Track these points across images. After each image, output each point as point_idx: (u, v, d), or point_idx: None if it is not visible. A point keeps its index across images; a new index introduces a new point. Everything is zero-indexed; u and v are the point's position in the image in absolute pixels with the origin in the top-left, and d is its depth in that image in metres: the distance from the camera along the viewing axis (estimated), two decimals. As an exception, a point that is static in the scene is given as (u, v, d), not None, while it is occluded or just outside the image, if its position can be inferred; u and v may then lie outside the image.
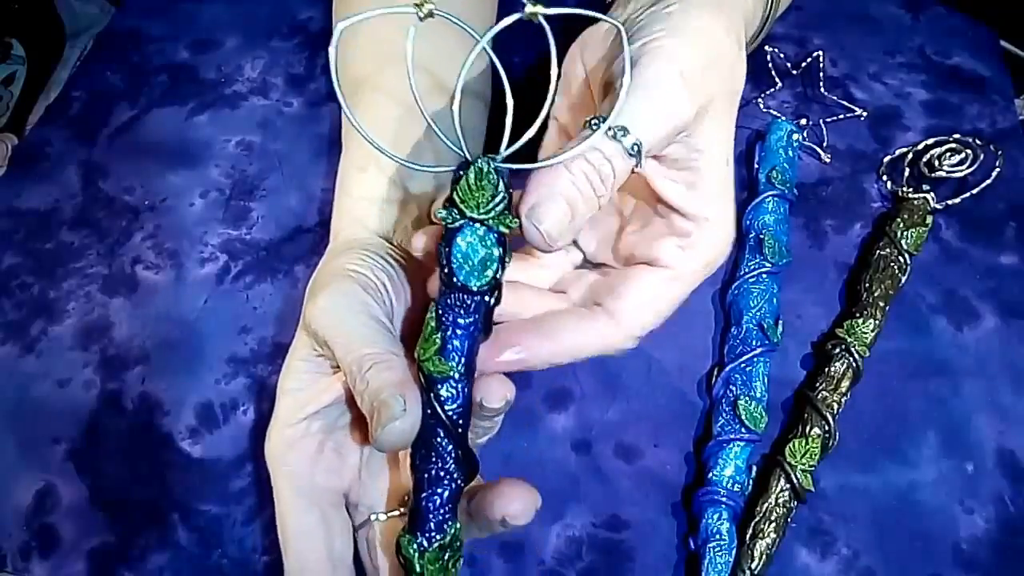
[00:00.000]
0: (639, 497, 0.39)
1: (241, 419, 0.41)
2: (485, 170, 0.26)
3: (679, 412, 0.41)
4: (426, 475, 0.28)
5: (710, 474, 0.38)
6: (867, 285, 0.43)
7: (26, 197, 0.49)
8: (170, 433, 0.41)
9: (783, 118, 0.49)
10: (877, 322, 0.42)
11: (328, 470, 0.32)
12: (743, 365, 0.40)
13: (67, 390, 0.42)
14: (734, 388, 0.40)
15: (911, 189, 0.47)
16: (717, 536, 0.36)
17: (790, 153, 0.47)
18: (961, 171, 0.47)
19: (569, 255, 0.35)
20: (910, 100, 0.53)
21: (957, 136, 0.49)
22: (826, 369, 0.41)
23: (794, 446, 0.38)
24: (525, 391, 0.41)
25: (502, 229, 0.27)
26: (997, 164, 0.47)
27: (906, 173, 0.49)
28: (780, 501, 0.37)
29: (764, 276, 0.42)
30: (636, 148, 0.28)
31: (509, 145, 0.27)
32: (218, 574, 0.37)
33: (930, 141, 0.49)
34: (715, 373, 0.41)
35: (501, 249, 0.27)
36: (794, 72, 0.53)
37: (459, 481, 0.29)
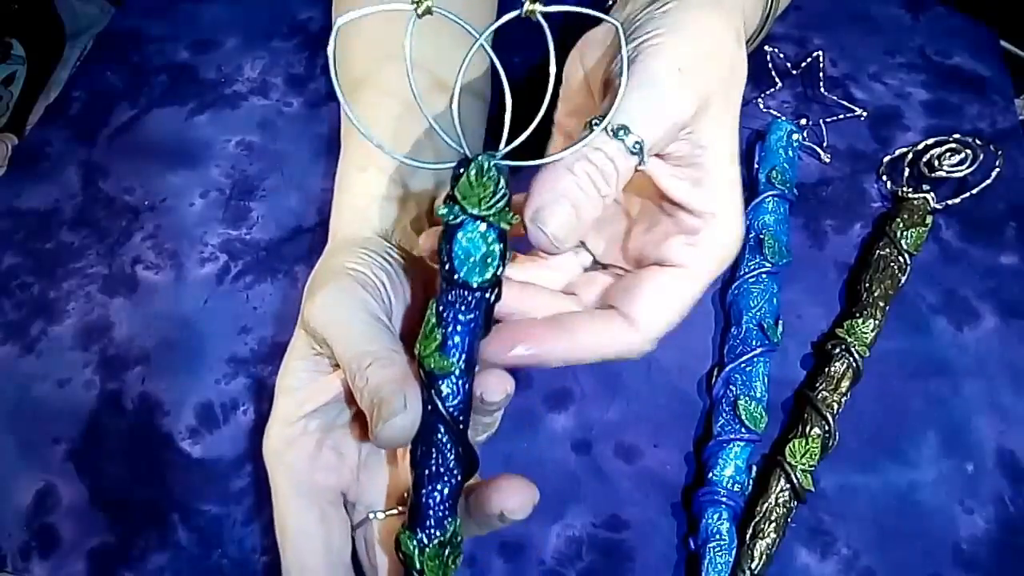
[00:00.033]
0: (639, 497, 0.39)
1: (241, 419, 0.41)
2: (486, 167, 0.26)
3: (679, 412, 0.41)
4: (426, 471, 0.28)
5: (710, 474, 0.38)
6: (867, 285, 0.43)
7: (26, 197, 0.49)
8: (170, 433, 0.41)
9: (783, 118, 0.49)
10: (877, 322, 0.42)
11: (326, 468, 0.32)
12: (743, 365, 0.40)
13: (67, 390, 0.42)
14: (734, 388, 0.40)
15: (911, 189, 0.47)
16: (717, 536, 0.36)
17: (790, 153, 0.47)
18: (961, 171, 0.47)
19: (579, 257, 0.35)
20: (910, 100, 0.53)
21: (957, 136, 0.49)
22: (826, 369, 0.41)
23: (794, 446, 0.38)
24: (525, 391, 0.42)
25: (503, 226, 0.27)
26: (997, 164, 0.47)
27: (906, 173, 0.49)
28: (780, 501, 0.37)
29: (764, 276, 0.42)
30: (638, 146, 0.28)
31: (508, 143, 0.27)
32: (218, 574, 0.37)
33: (930, 141, 0.49)
34: (715, 373, 0.41)
35: (502, 245, 0.27)
36: (794, 72, 0.53)
37: (459, 477, 0.29)
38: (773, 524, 0.37)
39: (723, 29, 0.30)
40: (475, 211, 0.27)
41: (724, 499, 0.37)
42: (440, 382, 0.28)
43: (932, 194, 0.46)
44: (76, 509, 0.39)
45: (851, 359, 0.40)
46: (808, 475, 0.38)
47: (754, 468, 0.39)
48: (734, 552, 0.36)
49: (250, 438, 0.40)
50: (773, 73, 0.53)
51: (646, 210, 0.33)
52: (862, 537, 0.38)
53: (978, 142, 0.48)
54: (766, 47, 0.53)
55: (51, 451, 0.40)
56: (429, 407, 0.28)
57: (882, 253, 0.44)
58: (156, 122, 0.52)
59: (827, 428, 0.39)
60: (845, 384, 0.40)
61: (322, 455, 0.32)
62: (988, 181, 0.47)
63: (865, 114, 0.51)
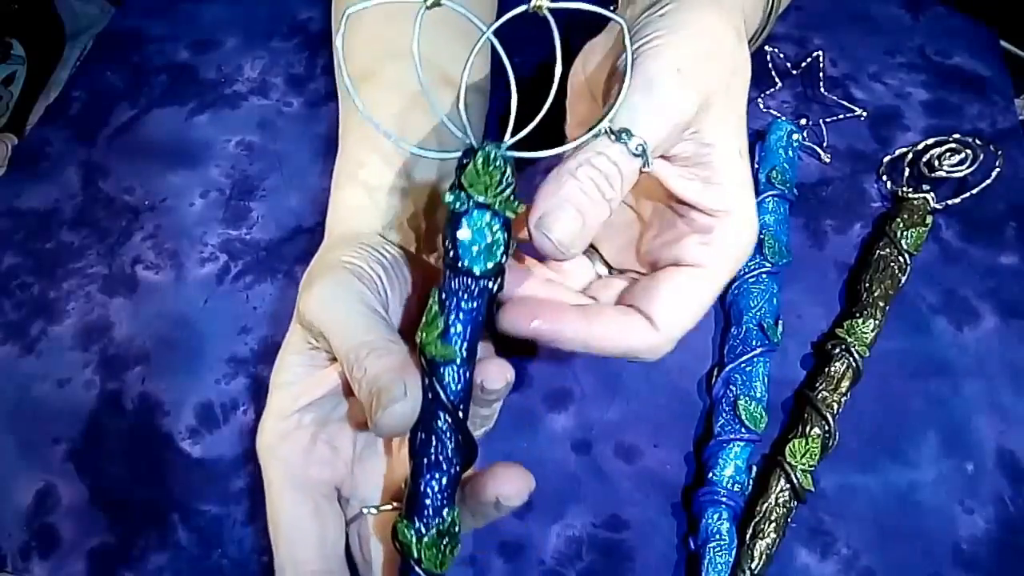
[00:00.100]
0: (639, 497, 0.39)
1: (241, 419, 0.41)
2: (493, 155, 0.27)
3: (679, 412, 0.41)
4: (425, 460, 0.28)
5: (710, 474, 0.38)
6: (867, 285, 0.43)
7: (26, 197, 0.49)
8: (170, 433, 0.41)
9: (783, 118, 0.49)
10: (877, 322, 0.42)
11: (321, 462, 0.32)
12: (743, 365, 0.40)
13: (67, 390, 0.42)
14: (734, 388, 0.40)
15: (911, 189, 0.47)
16: (717, 536, 0.36)
17: (790, 153, 0.47)
18: (961, 171, 0.47)
19: (595, 267, 0.35)
20: (910, 100, 0.53)
21: (957, 136, 0.49)
22: (826, 369, 0.41)
23: (794, 446, 0.38)
24: (525, 391, 0.42)
25: (508, 214, 0.27)
26: (997, 164, 0.47)
27: (906, 173, 0.49)
28: (780, 501, 0.37)
29: (764, 276, 0.42)
30: (641, 148, 0.28)
31: (514, 133, 0.27)
32: (218, 574, 0.37)
33: (930, 141, 0.49)
34: (715, 373, 0.41)
35: (506, 234, 0.27)
36: (794, 72, 0.53)
37: (458, 467, 0.29)
38: (773, 524, 0.37)
39: (723, 28, 0.30)
40: (481, 199, 0.27)
41: (724, 499, 0.37)
42: (441, 369, 0.28)
43: (932, 194, 0.46)
44: (76, 509, 0.39)
45: (851, 359, 0.40)
46: (808, 475, 0.38)
47: (754, 468, 0.39)
48: (734, 552, 0.36)
49: (250, 438, 0.40)
50: (773, 73, 0.53)
51: (658, 213, 0.33)
52: (862, 537, 0.38)
53: (978, 142, 0.48)
54: (766, 47, 0.53)
55: (51, 451, 0.40)
56: (430, 395, 0.28)
57: (882, 253, 0.44)
58: (156, 122, 0.52)
59: (827, 428, 0.39)
60: (845, 384, 0.40)
61: (316, 449, 0.32)
62: (988, 181, 0.47)
63: (865, 114, 0.51)
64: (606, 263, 0.35)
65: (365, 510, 0.32)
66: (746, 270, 0.43)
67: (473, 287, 0.27)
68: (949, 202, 0.47)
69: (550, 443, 0.40)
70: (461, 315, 0.28)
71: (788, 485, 0.38)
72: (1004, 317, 0.44)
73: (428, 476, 0.28)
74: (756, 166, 0.47)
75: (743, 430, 0.39)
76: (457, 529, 0.29)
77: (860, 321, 0.42)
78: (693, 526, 0.38)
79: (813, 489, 0.38)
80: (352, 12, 0.27)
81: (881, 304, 0.42)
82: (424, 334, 0.28)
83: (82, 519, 0.39)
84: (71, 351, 0.43)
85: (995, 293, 0.45)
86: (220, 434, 0.41)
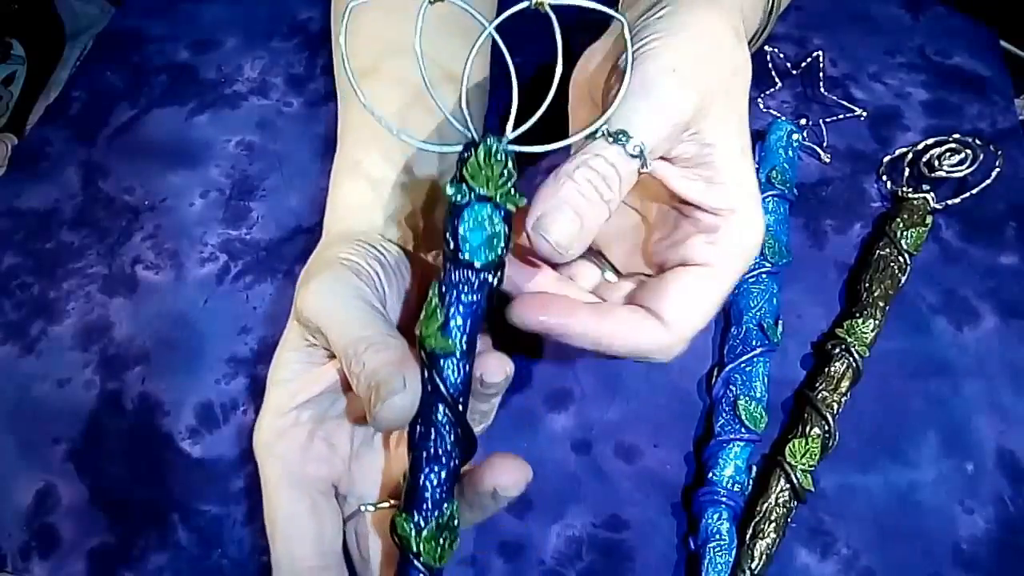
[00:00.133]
0: (639, 497, 0.39)
1: (241, 419, 0.41)
2: (494, 148, 0.27)
3: (679, 412, 0.41)
4: (424, 453, 0.28)
5: (710, 474, 0.38)
6: (867, 285, 0.43)
7: (26, 197, 0.49)
8: (170, 433, 0.41)
9: (783, 118, 0.49)
10: (877, 322, 0.42)
11: (318, 459, 0.32)
12: (743, 365, 0.40)
13: (67, 390, 0.42)
14: (734, 388, 0.40)
15: (911, 189, 0.47)
16: (717, 536, 0.36)
17: (790, 153, 0.47)
18: (961, 171, 0.47)
19: (604, 275, 0.35)
20: (910, 100, 0.53)
21: (957, 136, 0.49)
22: (826, 369, 0.41)
23: (794, 446, 0.38)
24: (525, 391, 0.42)
25: (509, 207, 0.27)
26: (997, 164, 0.47)
27: (906, 173, 0.49)
28: (780, 501, 0.37)
29: (764, 276, 0.42)
30: (638, 149, 0.28)
31: (515, 128, 0.27)
32: (218, 574, 0.37)
33: (930, 141, 0.49)
34: (715, 373, 0.41)
35: (507, 228, 0.28)
36: (794, 72, 0.53)
37: (457, 460, 0.29)
38: (773, 524, 0.37)
39: (721, 28, 0.30)
40: (483, 191, 0.27)
41: (724, 499, 0.37)
42: (441, 362, 0.28)
43: (932, 194, 0.46)
44: (76, 509, 0.39)
45: (851, 359, 0.40)
46: (808, 475, 0.38)
47: (754, 468, 0.39)
48: (734, 552, 0.36)
49: (250, 438, 0.40)
50: (773, 73, 0.53)
51: (663, 214, 0.33)
52: (862, 537, 0.38)
53: (978, 142, 0.48)
54: (766, 47, 0.53)
55: (51, 451, 0.40)
56: (429, 387, 0.28)
57: (882, 253, 0.44)
58: (156, 122, 0.52)
59: (827, 428, 0.39)
60: (845, 384, 0.40)
61: (314, 446, 0.32)
62: (988, 181, 0.47)
63: (865, 114, 0.51)
64: (615, 270, 0.35)
65: (363, 508, 0.32)
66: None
67: (473, 280, 0.28)
68: (949, 202, 0.47)
69: (550, 443, 0.40)
70: (461, 308, 0.28)
71: (788, 485, 0.38)
72: (1004, 317, 0.44)
73: (427, 469, 0.28)
74: (756, 166, 0.47)
75: (743, 430, 0.39)
76: (456, 523, 0.29)
77: (860, 321, 0.42)
78: (693, 526, 0.38)
79: (813, 489, 0.38)
80: (355, 5, 0.27)
81: (881, 304, 0.42)
82: (424, 327, 0.28)
83: (82, 519, 0.39)
84: (71, 351, 0.43)
85: (995, 293, 0.45)
86: (220, 434, 0.41)
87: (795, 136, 0.48)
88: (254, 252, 0.46)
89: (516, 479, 0.29)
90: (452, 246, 0.27)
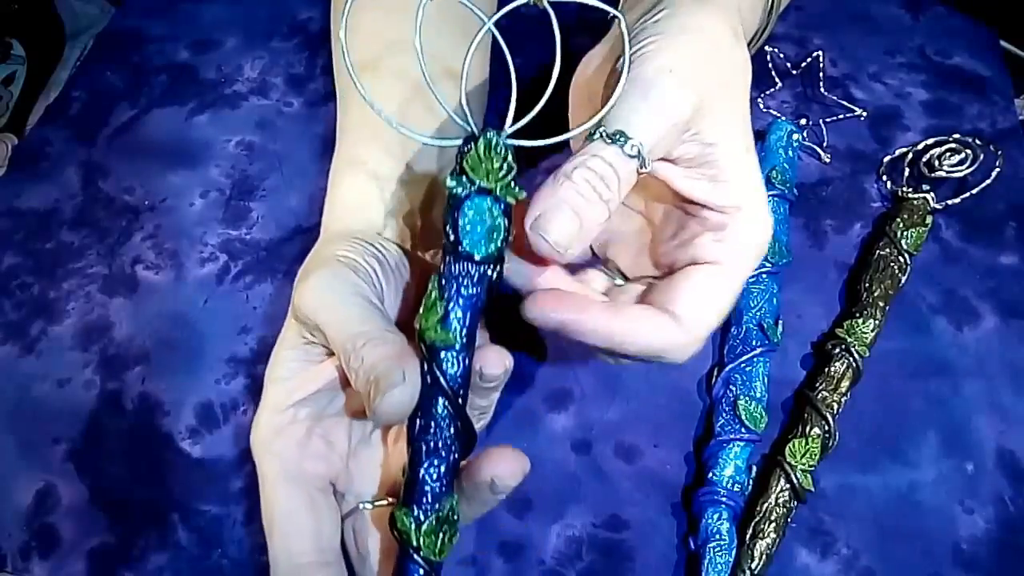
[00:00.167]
0: (639, 497, 0.39)
1: (241, 419, 0.41)
2: (494, 141, 0.27)
3: (679, 412, 0.41)
4: (424, 446, 0.28)
5: (710, 474, 0.38)
6: (867, 285, 0.43)
7: (26, 197, 0.49)
8: (170, 433, 0.41)
9: (783, 118, 0.49)
10: (877, 322, 0.42)
11: (316, 456, 0.32)
12: (743, 365, 0.40)
13: (67, 390, 0.42)
14: (734, 388, 0.40)
15: (911, 189, 0.47)
16: (717, 536, 0.36)
17: (790, 153, 0.47)
18: (961, 171, 0.48)
19: (614, 280, 0.35)
20: (910, 100, 0.53)
21: (957, 136, 0.49)
22: (826, 369, 0.41)
23: (794, 446, 0.38)
24: (525, 391, 0.42)
25: (509, 200, 0.28)
26: (997, 164, 0.47)
27: (906, 173, 0.49)
28: (780, 501, 0.37)
29: (764, 276, 0.42)
30: (635, 149, 0.28)
31: (514, 122, 0.27)
32: (218, 574, 0.37)
33: (930, 141, 0.49)
34: (715, 373, 0.41)
35: (507, 221, 0.28)
36: (794, 72, 0.53)
37: (457, 453, 0.29)
38: (773, 524, 0.37)
39: (720, 30, 0.30)
40: (483, 183, 0.27)
41: (724, 499, 0.37)
42: (441, 354, 0.28)
43: (932, 194, 0.46)
44: (76, 509, 0.39)
45: (851, 359, 0.40)
46: (808, 475, 0.38)
47: (754, 468, 0.39)
48: (734, 552, 0.36)
49: (250, 438, 0.40)
50: (773, 73, 0.53)
51: (670, 216, 0.33)
52: (862, 537, 0.38)
53: (978, 142, 0.48)
54: (766, 47, 0.53)
55: (51, 451, 0.40)
56: (428, 380, 0.28)
57: (882, 253, 0.44)
58: (156, 122, 0.52)
59: (827, 428, 0.39)
60: (845, 384, 0.40)
61: (311, 443, 0.32)
62: (988, 181, 0.47)
63: (865, 114, 0.51)
64: (623, 276, 0.35)
65: (361, 505, 0.32)
66: (746, 270, 0.43)
67: (473, 272, 0.28)
68: (949, 202, 0.47)
69: (550, 443, 0.40)
70: (461, 301, 0.28)
71: (788, 485, 0.38)
72: (1004, 317, 0.44)
73: (427, 463, 0.28)
74: (756, 166, 0.47)
75: (743, 430, 0.39)
76: (456, 516, 0.29)
77: (860, 321, 0.42)
78: (693, 526, 0.38)
79: (813, 489, 0.38)
80: (355, 0, 0.27)
81: (881, 304, 0.42)
82: (423, 320, 0.28)
83: (82, 519, 0.39)
84: (71, 351, 0.43)
85: (995, 293, 0.45)
86: (220, 434, 0.41)
87: (795, 136, 0.48)
88: (254, 252, 0.46)
89: (514, 469, 0.29)
90: (452, 238, 0.27)
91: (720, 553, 0.36)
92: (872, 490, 0.39)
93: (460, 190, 0.27)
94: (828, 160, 0.50)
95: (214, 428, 0.41)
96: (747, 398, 0.39)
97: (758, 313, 0.42)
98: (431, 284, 0.28)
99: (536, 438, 0.40)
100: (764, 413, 0.39)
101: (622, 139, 0.28)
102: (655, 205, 0.34)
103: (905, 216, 0.45)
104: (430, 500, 0.28)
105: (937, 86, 0.54)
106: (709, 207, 0.30)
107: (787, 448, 0.38)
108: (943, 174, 0.48)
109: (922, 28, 0.57)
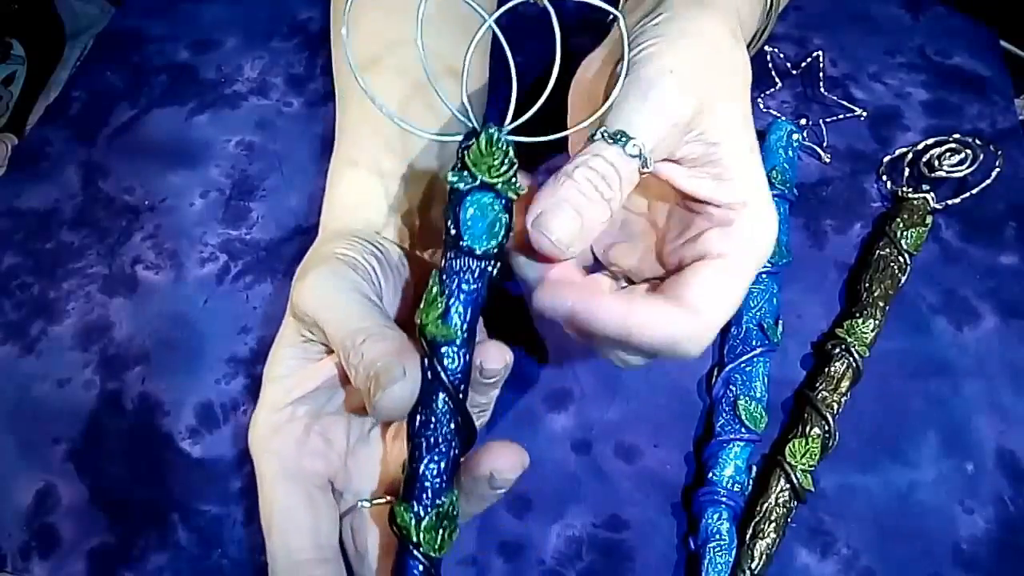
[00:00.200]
0: (639, 497, 0.39)
1: (241, 419, 0.41)
2: (496, 137, 0.27)
3: (679, 412, 0.41)
4: (424, 442, 0.28)
5: (710, 474, 0.38)
6: (867, 285, 0.43)
7: (26, 197, 0.49)
8: (170, 433, 0.41)
9: (783, 118, 0.49)
10: (877, 322, 0.42)
11: (314, 454, 0.32)
12: (743, 365, 0.40)
13: (67, 390, 0.42)
14: (734, 388, 0.40)
15: (911, 189, 0.47)
16: (717, 536, 0.36)
17: (790, 153, 0.47)
18: (961, 171, 0.48)
19: (620, 284, 0.35)
20: (910, 100, 0.53)
21: (957, 136, 0.49)
22: (826, 369, 0.41)
23: (794, 446, 0.38)
24: (525, 391, 0.42)
25: (510, 195, 0.28)
26: (997, 164, 0.47)
27: (906, 173, 0.49)
28: (780, 501, 0.37)
29: (764, 276, 0.42)
30: (637, 149, 0.28)
31: (515, 119, 0.28)
32: (218, 574, 0.37)
33: (930, 141, 0.49)
34: (715, 373, 0.41)
35: (508, 216, 0.28)
36: (794, 72, 0.53)
37: (457, 449, 0.29)
38: (773, 524, 0.37)
39: (720, 31, 0.30)
40: (484, 178, 0.27)
41: (724, 499, 0.37)
42: (441, 349, 0.28)
43: (932, 194, 0.46)
44: (76, 509, 0.39)
45: (851, 359, 0.40)
46: (808, 475, 0.38)
47: (754, 468, 0.39)
48: (734, 552, 0.36)
49: (248, 436, 0.40)
50: (773, 73, 0.53)
51: (676, 215, 0.33)
52: (862, 537, 0.38)
53: (978, 142, 0.48)
54: (766, 47, 0.53)
55: (51, 451, 0.40)
56: (429, 375, 0.28)
57: (882, 253, 0.44)
58: (156, 122, 0.52)
59: (827, 428, 0.39)
60: (845, 384, 0.40)
61: (309, 441, 0.32)
62: (988, 181, 0.47)
63: (865, 114, 0.51)
64: (629, 281, 0.35)
65: (360, 503, 0.32)
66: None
67: (474, 267, 0.28)
68: (949, 202, 0.47)
69: (550, 443, 0.40)
70: (461, 296, 0.28)
71: (788, 485, 0.38)
72: (1004, 317, 0.44)
73: (427, 458, 0.28)
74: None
75: (743, 430, 0.39)
76: (456, 512, 0.29)
77: (860, 321, 0.42)
78: (693, 526, 0.38)
79: (813, 489, 0.38)
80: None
81: (881, 304, 0.42)
82: (424, 315, 0.28)
83: (82, 519, 0.39)
84: (71, 351, 0.43)
85: (995, 293, 0.45)
86: (220, 434, 0.41)
87: (795, 136, 0.48)
88: (254, 252, 0.46)
89: (513, 463, 0.29)
90: (453, 233, 0.27)
91: (720, 553, 0.36)
92: (872, 490, 0.39)
93: (462, 185, 0.27)
94: (828, 160, 0.50)
95: (214, 428, 0.41)
96: (747, 398, 0.39)
97: (758, 313, 0.42)
98: (432, 279, 0.28)
99: (536, 438, 0.40)
100: (764, 413, 0.39)
101: (623, 139, 0.28)
102: (659, 206, 0.34)
103: (905, 216, 0.45)
104: (430, 496, 0.28)
105: (937, 86, 0.54)
106: (714, 204, 0.30)
107: (787, 448, 0.38)
108: (943, 174, 0.48)
109: (922, 28, 0.57)
